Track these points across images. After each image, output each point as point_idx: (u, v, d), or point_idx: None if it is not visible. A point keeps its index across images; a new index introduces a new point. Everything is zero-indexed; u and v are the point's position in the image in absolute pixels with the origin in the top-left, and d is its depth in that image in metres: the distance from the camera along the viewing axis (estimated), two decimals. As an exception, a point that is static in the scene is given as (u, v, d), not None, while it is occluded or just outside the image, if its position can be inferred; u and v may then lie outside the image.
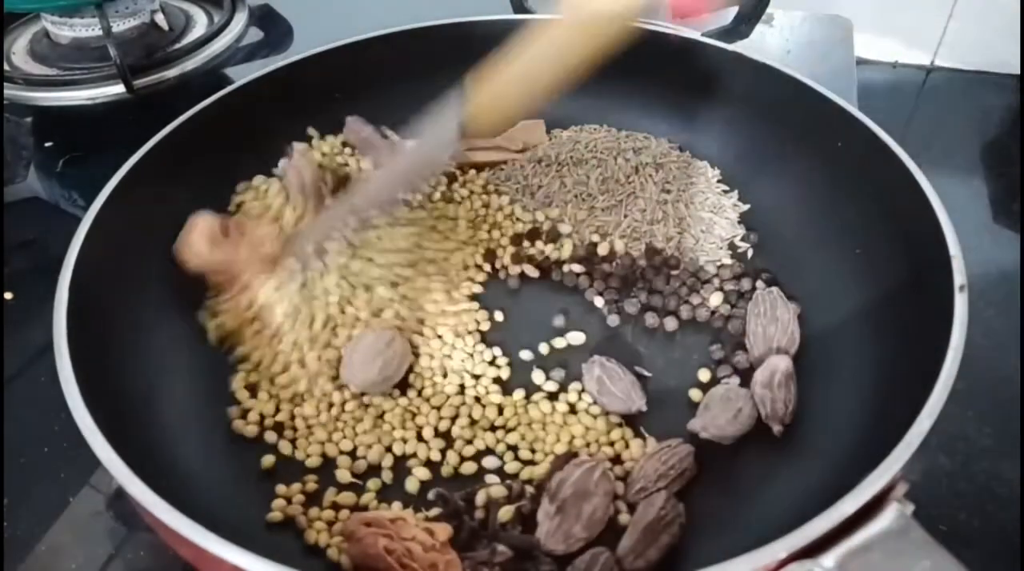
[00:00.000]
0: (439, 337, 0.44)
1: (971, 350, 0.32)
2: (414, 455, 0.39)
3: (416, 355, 0.43)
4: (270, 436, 0.40)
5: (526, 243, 0.50)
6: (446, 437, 0.40)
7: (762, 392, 0.39)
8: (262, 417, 0.41)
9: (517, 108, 0.40)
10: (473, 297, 0.47)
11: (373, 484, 0.38)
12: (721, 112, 0.54)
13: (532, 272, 0.48)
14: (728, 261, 0.48)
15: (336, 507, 0.37)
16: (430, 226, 0.50)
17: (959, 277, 0.35)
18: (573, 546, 0.34)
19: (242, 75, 0.51)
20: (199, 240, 0.43)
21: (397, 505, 0.37)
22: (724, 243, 0.49)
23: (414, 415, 0.41)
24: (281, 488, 0.38)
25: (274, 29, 0.77)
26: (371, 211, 0.46)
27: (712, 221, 0.50)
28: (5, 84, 0.62)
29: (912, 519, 0.27)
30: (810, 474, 0.36)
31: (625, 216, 0.50)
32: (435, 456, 0.39)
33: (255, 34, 0.74)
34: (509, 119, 0.41)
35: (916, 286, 0.39)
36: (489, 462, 0.39)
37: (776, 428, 0.38)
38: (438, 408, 0.41)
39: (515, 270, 0.49)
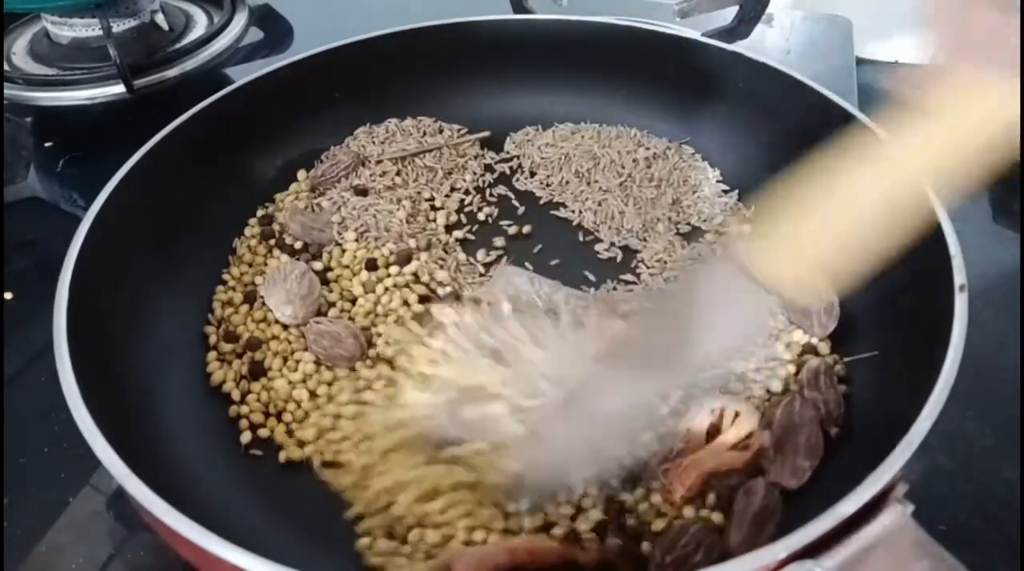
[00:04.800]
0: None
1: (971, 350, 0.32)
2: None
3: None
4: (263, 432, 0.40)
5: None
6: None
7: (812, 395, 0.38)
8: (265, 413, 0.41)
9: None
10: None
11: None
12: (721, 112, 0.54)
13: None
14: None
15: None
16: None
17: (959, 277, 0.35)
18: (803, 477, 0.35)
19: (242, 75, 0.51)
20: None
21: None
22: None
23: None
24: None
25: (274, 29, 0.77)
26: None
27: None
28: (5, 84, 0.62)
29: (912, 519, 0.27)
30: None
31: (622, 214, 0.50)
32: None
33: (255, 34, 0.74)
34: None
35: (916, 286, 0.39)
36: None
37: (832, 430, 0.37)
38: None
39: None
